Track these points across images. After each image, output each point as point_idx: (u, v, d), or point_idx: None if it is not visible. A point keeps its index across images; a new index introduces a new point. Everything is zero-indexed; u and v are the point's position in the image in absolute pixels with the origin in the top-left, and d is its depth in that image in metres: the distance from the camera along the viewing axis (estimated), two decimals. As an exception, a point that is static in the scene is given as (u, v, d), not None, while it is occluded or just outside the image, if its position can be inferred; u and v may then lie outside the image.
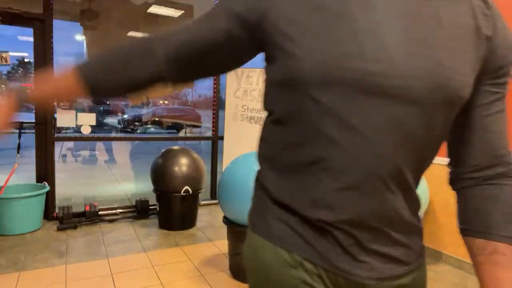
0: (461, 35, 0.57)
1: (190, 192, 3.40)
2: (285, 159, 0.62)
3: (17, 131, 3.58)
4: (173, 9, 4.98)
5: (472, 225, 0.65)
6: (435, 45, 0.55)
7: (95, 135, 4.04)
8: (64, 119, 3.60)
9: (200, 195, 3.61)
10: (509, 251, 0.61)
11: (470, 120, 0.64)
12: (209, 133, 4.57)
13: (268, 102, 0.64)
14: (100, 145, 9.82)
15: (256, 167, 2.28)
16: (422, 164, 0.60)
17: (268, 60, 0.61)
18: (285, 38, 0.56)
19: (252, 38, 0.61)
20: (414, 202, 0.64)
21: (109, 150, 8.59)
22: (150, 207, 3.88)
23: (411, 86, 0.53)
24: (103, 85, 0.66)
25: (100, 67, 0.66)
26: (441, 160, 2.99)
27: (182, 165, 3.37)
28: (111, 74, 0.65)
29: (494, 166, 0.64)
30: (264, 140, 0.67)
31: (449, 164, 0.70)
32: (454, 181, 0.69)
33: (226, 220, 2.54)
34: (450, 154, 0.69)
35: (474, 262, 0.65)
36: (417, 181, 0.62)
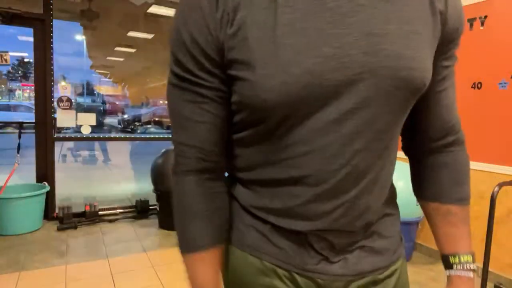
0: (415, 15, 0.54)
1: (190, 192, 3.40)
2: (255, 175, 0.60)
3: (17, 131, 3.59)
4: (173, 9, 4.98)
5: (426, 192, 0.70)
6: (390, 34, 0.51)
7: (95, 135, 4.04)
8: (64, 119, 3.61)
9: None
10: (459, 211, 0.67)
11: (423, 96, 0.61)
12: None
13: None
14: (96, 145, 9.82)
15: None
16: (388, 152, 0.59)
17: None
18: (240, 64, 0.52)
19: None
20: (387, 193, 0.64)
21: (104, 150, 8.59)
22: (150, 207, 3.88)
23: (377, 87, 0.51)
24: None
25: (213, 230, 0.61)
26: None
27: (182, 165, 3.36)
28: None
29: (445, 137, 0.66)
30: (233, 155, 0.63)
31: (402, 136, 0.71)
32: (408, 151, 0.72)
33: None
34: (403, 128, 0.67)
35: (431, 223, 0.70)
36: (386, 168, 0.60)
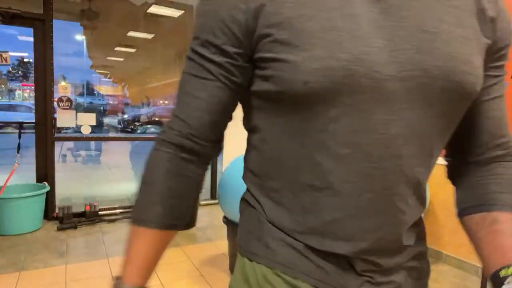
0: (467, 20, 0.51)
1: (190, 192, 3.40)
2: (278, 183, 0.55)
3: (17, 131, 3.59)
4: (173, 9, 4.98)
5: (469, 202, 0.60)
6: (444, 34, 0.49)
7: (95, 135, 4.04)
8: (64, 119, 3.61)
9: (200, 194, 3.61)
10: (509, 219, 0.56)
11: (469, 107, 0.57)
12: (209, 133, 4.54)
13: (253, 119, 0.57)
14: (92, 145, 9.81)
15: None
16: (431, 162, 0.55)
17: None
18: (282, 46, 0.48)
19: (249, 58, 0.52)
20: (422, 202, 0.59)
21: (98, 150, 8.61)
22: (150, 207, 3.87)
23: (427, 87, 0.48)
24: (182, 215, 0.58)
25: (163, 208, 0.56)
26: (441, 160, 3.00)
27: (182, 165, 3.36)
28: (179, 207, 0.57)
29: (493, 150, 0.60)
30: (250, 160, 0.59)
31: (446, 156, 0.66)
32: (451, 171, 0.66)
33: (226, 220, 2.54)
34: (447, 144, 0.60)
35: (475, 241, 0.58)
36: (426, 179, 0.57)
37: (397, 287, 0.57)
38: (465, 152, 0.62)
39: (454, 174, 0.66)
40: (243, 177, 0.63)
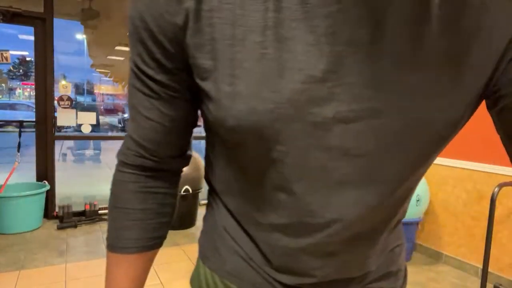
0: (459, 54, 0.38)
1: (190, 191, 3.40)
2: (233, 205, 0.51)
3: (17, 129, 3.59)
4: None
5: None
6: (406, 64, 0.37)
7: (95, 134, 4.04)
8: (64, 118, 3.61)
9: (200, 194, 3.61)
10: None
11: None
12: (209, 133, 4.55)
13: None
14: (93, 143, 9.81)
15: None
16: (400, 203, 0.47)
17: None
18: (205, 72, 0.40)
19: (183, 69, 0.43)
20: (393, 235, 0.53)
21: (98, 149, 8.61)
22: (150, 206, 3.88)
23: (380, 129, 0.39)
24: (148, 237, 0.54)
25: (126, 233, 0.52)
26: (441, 160, 3.00)
27: (182, 164, 3.36)
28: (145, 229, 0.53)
29: None
30: (213, 170, 0.53)
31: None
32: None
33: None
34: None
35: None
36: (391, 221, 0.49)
37: None
38: None
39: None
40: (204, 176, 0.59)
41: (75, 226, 3.44)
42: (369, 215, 0.43)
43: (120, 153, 0.53)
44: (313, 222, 0.43)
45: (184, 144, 0.53)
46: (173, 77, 0.43)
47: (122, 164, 0.52)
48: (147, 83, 0.44)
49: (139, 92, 0.46)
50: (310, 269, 0.47)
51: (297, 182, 0.41)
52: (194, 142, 0.57)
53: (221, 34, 0.37)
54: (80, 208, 3.66)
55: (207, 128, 0.49)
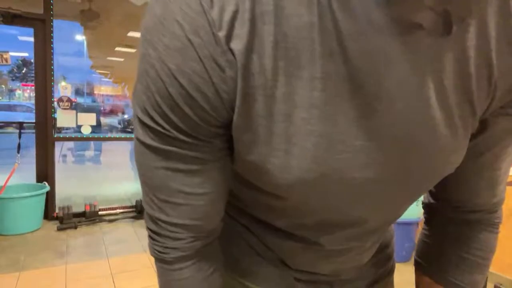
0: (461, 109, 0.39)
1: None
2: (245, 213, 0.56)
3: (17, 131, 3.59)
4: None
5: (428, 262, 0.59)
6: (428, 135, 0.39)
7: (95, 135, 4.04)
8: (64, 119, 3.61)
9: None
10: None
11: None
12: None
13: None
14: (93, 144, 9.81)
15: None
16: (398, 217, 0.56)
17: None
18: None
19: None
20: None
21: (98, 150, 8.63)
22: (150, 207, 3.88)
23: (404, 183, 0.43)
24: None
25: None
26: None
27: (182, 165, 3.36)
28: None
29: (481, 211, 0.54)
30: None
31: (431, 193, 0.61)
32: (429, 208, 0.63)
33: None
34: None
35: None
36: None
37: None
38: (453, 200, 0.56)
39: (429, 210, 0.64)
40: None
41: (75, 227, 3.44)
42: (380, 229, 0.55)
43: (166, 251, 0.44)
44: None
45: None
46: (223, 136, 0.40)
47: (177, 260, 0.45)
48: (198, 156, 0.39)
49: (180, 173, 0.40)
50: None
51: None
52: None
53: (265, 112, 0.35)
54: (80, 209, 3.66)
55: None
